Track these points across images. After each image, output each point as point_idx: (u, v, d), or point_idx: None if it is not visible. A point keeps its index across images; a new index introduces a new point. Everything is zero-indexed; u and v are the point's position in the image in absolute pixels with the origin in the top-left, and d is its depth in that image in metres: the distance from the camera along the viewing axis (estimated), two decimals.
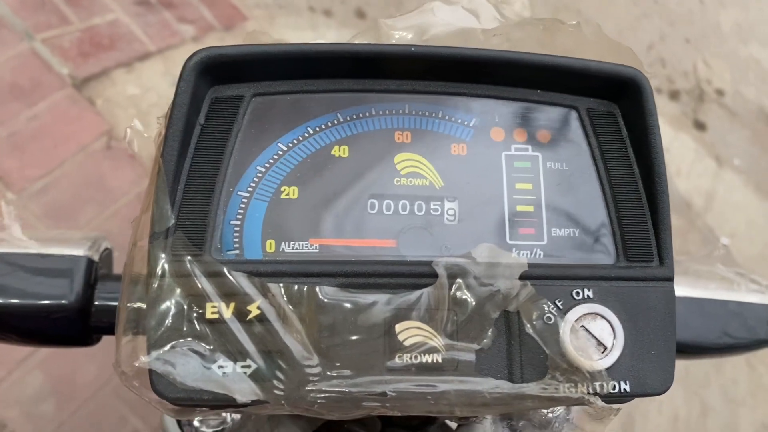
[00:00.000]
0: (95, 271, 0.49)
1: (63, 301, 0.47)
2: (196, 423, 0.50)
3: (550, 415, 0.41)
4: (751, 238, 2.20)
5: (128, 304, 0.34)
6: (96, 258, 0.49)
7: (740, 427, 1.94)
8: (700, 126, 2.36)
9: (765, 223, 2.26)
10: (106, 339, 0.50)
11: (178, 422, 0.52)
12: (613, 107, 0.38)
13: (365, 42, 0.37)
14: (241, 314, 0.33)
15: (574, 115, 0.39)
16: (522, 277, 0.35)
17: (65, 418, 1.34)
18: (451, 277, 0.34)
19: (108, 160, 1.60)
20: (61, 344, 0.52)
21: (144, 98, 1.74)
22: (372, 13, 2.22)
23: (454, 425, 0.56)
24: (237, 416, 0.49)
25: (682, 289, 0.59)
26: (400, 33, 0.40)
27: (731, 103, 2.45)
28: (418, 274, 0.35)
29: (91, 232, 0.52)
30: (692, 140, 2.29)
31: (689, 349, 0.59)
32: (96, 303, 0.48)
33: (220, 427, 0.50)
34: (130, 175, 1.59)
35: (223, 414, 0.50)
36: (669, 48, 2.48)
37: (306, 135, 0.38)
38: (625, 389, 0.34)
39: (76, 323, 0.48)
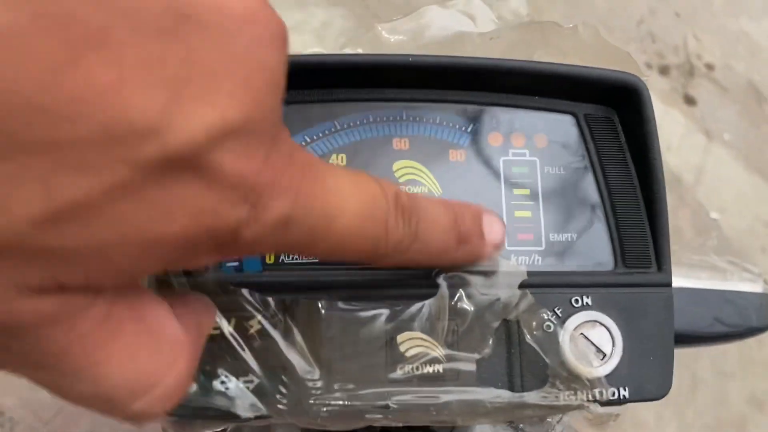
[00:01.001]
0: None
1: None
2: None
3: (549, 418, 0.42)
4: (740, 212, 2.21)
5: None
6: None
7: (729, 399, 1.98)
8: (689, 101, 2.36)
9: (754, 196, 2.27)
10: None
11: None
12: (611, 113, 0.38)
13: (361, 52, 0.36)
14: (241, 329, 0.33)
15: (572, 120, 0.38)
16: (521, 286, 0.35)
17: (64, 404, 1.35)
18: (452, 287, 0.34)
19: None
20: None
21: None
22: None
23: None
24: None
25: (674, 279, 0.59)
26: (395, 37, 0.40)
27: (721, 78, 2.45)
28: (417, 285, 0.35)
29: None
30: (682, 115, 2.29)
31: (680, 339, 0.60)
32: None
33: (220, 428, 0.50)
34: None
35: None
36: (659, 22, 2.46)
37: (303, 144, 0.38)
38: (624, 395, 0.35)
39: None
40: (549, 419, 0.41)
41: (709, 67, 2.46)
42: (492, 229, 0.33)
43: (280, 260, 0.36)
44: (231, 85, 0.19)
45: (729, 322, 0.64)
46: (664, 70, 2.36)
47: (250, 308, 0.33)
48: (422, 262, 0.31)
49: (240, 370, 0.33)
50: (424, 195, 0.35)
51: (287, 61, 0.21)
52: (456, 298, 0.34)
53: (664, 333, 0.36)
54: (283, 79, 0.21)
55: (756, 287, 0.64)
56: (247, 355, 0.33)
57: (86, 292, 0.20)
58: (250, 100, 0.19)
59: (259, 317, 0.33)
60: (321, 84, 0.37)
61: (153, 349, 0.23)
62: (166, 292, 0.26)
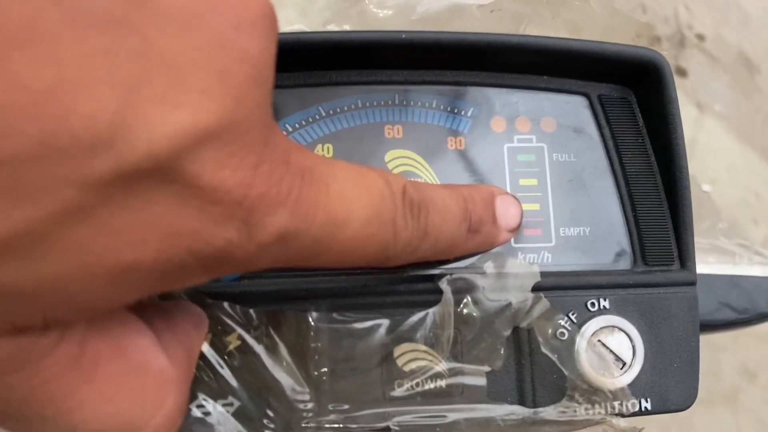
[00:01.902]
0: None
1: None
2: None
3: None
4: (732, 183, 2.19)
5: None
6: None
7: (722, 370, 1.97)
8: (681, 72, 2.33)
9: (745, 167, 2.25)
10: None
11: None
12: (628, 93, 0.34)
13: (347, 29, 0.32)
14: (219, 346, 0.30)
15: (584, 102, 0.35)
16: (533, 289, 0.31)
17: None
18: (457, 292, 0.31)
19: None
20: None
21: None
22: None
23: None
24: None
25: None
26: (384, 12, 0.35)
27: (712, 48, 2.42)
28: (418, 291, 0.31)
29: None
30: None
31: None
32: None
33: None
34: None
35: None
36: None
37: (285, 133, 0.34)
38: (645, 407, 0.32)
39: None
40: None
41: (700, 37, 2.42)
42: (506, 213, 0.31)
43: None
44: (202, 81, 0.15)
45: (737, 308, 0.61)
46: (655, 42, 2.32)
47: (229, 321, 0.30)
48: (431, 257, 0.28)
49: (219, 392, 0.29)
50: (430, 183, 0.31)
51: (275, 47, 0.18)
52: (462, 305, 0.31)
53: (688, 337, 0.32)
54: (270, 70, 0.18)
55: (767, 271, 0.62)
56: (227, 375, 0.29)
57: (49, 332, 0.17)
58: (229, 98, 0.16)
59: (240, 331, 0.30)
60: (302, 66, 0.33)
61: (136, 389, 0.20)
62: (146, 307, 0.23)
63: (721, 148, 2.27)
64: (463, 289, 0.31)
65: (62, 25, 0.13)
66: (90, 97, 0.14)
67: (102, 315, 0.19)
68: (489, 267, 0.31)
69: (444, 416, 0.30)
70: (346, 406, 0.30)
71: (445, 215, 0.27)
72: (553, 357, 0.31)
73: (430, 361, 0.31)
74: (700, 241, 0.62)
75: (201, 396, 0.29)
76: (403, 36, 0.31)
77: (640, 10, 2.37)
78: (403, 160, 0.34)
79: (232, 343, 0.30)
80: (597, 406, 0.31)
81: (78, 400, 0.18)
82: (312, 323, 0.30)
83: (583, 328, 0.31)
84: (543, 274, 0.32)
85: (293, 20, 1.62)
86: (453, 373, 0.31)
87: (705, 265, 0.60)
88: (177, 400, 0.21)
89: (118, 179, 0.15)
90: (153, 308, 0.23)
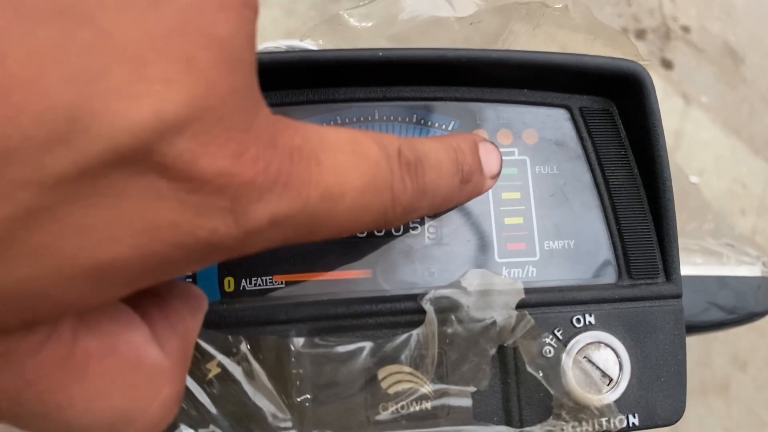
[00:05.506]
0: None
1: None
2: None
3: None
4: (719, 174, 2.20)
5: None
6: None
7: (713, 360, 1.99)
8: (667, 64, 2.34)
9: (732, 158, 2.26)
10: None
11: None
12: (609, 105, 0.34)
13: (323, 45, 0.31)
14: (199, 374, 0.29)
15: (565, 115, 0.34)
16: (519, 305, 0.31)
17: None
18: (440, 312, 0.30)
19: None
20: None
21: None
22: None
23: None
24: None
25: None
26: (363, 24, 0.35)
27: (697, 40, 2.42)
28: (401, 311, 0.31)
29: None
30: (660, 79, 2.26)
31: None
32: None
33: None
34: None
35: None
36: None
37: None
38: (633, 423, 0.31)
39: None
40: None
41: (685, 29, 2.42)
42: (489, 160, 0.31)
43: (242, 287, 0.32)
44: (166, 70, 0.15)
45: (725, 307, 0.61)
46: (640, 34, 2.32)
47: (208, 348, 0.29)
48: (428, 214, 0.29)
49: (200, 421, 0.29)
50: (421, 138, 0.31)
51: (252, 26, 0.17)
52: (446, 325, 0.30)
53: (675, 351, 0.32)
54: (247, 52, 0.17)
55: (754, 270, 0.62)
56: (208, 403, 0.29)
57: (32, 334, 0.16)
58: (198, 86, 0.15)
59: (220, 358, 0.29)
60: (279, 86, 0.32)
61: (129, 384, 0.19)
62: (140, 294, 0.22)
63: (708, 139, 2.28)
64: (447, 308, 0.31)
65: (6, 19, 0.13)
66: (41, 94, 0.13)
67: (92, 310, 0.18)
68: (472, 284, 0.31)
69: None
70: None
71: (440, 170, 0.27)
72: (539, 376, 0.31)
73: (415, 383, 0.30)
74: (686, 242, 0.62)
75: (182, 426, 0.29)
76: (380, 54, 0.30)
77: (625, 2, 2.37)
78: None
79: (212, 371, 0.29)
80: (584, 423, 0.31)
81: (68, 398, 0.18)
82: (293, 349, 0.30)
83: (569, 345, 0.31)
84: (527, 290, 0.31)
85: (279, 20, 1.61)
86: (438, 394, 0.30)
87: (692, 266, 0.60)
88: (171, 391, 0.20)
89: (81, 176, 0.14)
90: (147, 294, 0.22)
